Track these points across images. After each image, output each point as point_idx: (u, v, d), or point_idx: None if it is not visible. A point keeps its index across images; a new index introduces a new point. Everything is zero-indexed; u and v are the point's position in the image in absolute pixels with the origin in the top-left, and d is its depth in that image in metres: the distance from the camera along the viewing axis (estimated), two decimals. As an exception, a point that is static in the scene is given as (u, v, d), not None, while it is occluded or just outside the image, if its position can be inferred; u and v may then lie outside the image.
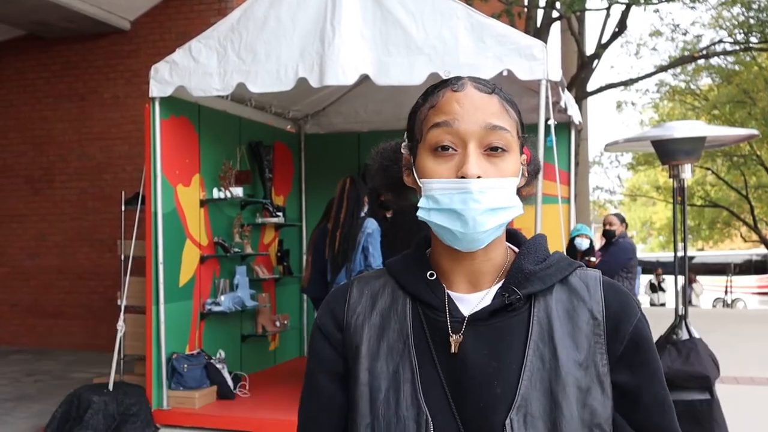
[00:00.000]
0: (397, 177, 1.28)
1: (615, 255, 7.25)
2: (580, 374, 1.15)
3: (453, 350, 1.16)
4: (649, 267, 21.34)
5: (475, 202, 1.13)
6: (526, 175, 1.26)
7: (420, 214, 1.19)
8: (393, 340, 1.20)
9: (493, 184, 1.14)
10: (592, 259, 7.11)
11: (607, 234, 7.49)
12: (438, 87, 1.22)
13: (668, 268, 18.99)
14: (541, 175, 1.37)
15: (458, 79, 1.21)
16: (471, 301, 1.20)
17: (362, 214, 6.22)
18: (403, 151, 1.27)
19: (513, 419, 1.11)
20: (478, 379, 1.14)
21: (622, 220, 7.67)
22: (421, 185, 1.19)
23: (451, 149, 1.16)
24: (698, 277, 20.92)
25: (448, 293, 1.21)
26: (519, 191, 1.22)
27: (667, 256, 23.80)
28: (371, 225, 6.13)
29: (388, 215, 7.31)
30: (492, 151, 1.16)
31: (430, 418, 1.14)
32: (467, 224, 1.13)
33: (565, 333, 1.17)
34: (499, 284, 1.21)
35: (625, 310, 1.20)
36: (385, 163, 1.32)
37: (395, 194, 1.32)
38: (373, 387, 1.18)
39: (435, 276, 1.23)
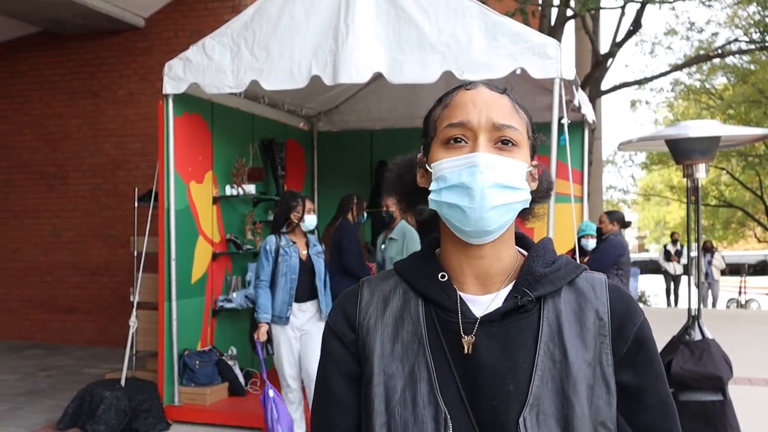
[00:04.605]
0: (411, 184, 1.32)
1: (604, 252, 7.17)
2: (589, 373, 1.18)
3: (466, 351, 1.18)
4: (654, 267, 20.88)
5: (481, 174, 1.15)
6: (537, 178, 1.28)
7: (432, 197, 1.22)
8: (407, 340, 1.22)
9: (499, 159, 1.18)
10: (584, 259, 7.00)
11: (598, 232, 7.50)
12: (452, 90, 1.28)
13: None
14: (553, 176, 1.38)
15: (471, 82, 1.26)
16: (482, 303, 1.22)
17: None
18: (418, 158, 1.31)
19: (526, 417, 1.13)
20: (492, 379, 1.16)
21: (615, 219, 7.51)
22: (431, 170, 1.22)
23: (462, 141, 1.20)
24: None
25: (459, 295, 1.22)
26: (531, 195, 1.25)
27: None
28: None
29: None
30: (503, 144, 1.19)
31: (449, 416, 1.15)
32: (474, 198, 1.15)
33: (573, 333, 1.20)
34: (509, 286, 1.23)
35: (630, 312, 1.23)
36: (400, 171, 1.36)
37: (408, 204, 1.36)
38: (388, 387, 1.19)
39: (446, 277, 1.24)
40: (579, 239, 7.25)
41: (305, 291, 5.49)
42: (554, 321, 1.20)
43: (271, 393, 5.21)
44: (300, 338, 5.47)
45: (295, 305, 5.48)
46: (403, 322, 1.24)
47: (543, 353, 1.17)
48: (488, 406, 1.15)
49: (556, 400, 1.15)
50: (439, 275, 1.25)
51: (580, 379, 1.16)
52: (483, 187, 1.15)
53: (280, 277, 5.43)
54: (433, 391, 1.17)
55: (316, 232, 5.73)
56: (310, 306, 5.52)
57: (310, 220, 5.50)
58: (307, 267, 5.49)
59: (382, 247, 6.29)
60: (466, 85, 1.25)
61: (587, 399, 1.16)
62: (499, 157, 1.18)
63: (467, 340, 1.18)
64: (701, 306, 5.08)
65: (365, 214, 6.92)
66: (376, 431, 1.18)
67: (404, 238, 6.08)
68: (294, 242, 5.49)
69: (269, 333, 5.47)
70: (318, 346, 5.39)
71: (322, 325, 5.51)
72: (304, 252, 5.52)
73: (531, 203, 1.26)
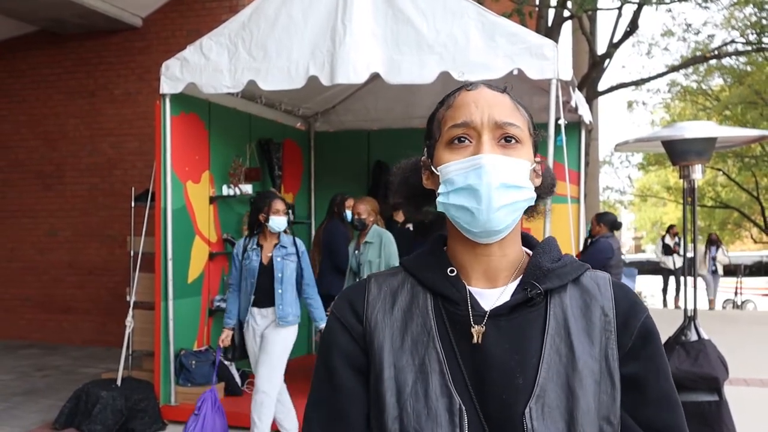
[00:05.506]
0: (418, 186, 1.34)
1: (591, 254, 7.32)
2: (596, 368, 1.19)
3: (476, 341, 1.19)
4: (649, 267, 20.75)
5: (488, 176, 1.17)
6: (540, 174, 1.30)
7: (440, 200, 1.24)
8: (417, 333, 1.23)
9: (504, 160, 1.20)
10: None
11: (589, 234, 7.69)
12: (454, 91, 1.30)
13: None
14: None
15: (472, 82, 1.30)
16: (490, 297, 1.24)
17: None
18: (422, 160, 1.33)
19: (531, 408, 1.15)
20: (501, 372, 1.17)
21: (603, 222, 7.63)
22: (438, 173, 1.24)
23: (466, 141, 1.22)
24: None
25: (468, 289, 1.24)
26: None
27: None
28: None
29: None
30: (506, 141, 1.22)
31: (464, 407, 1.16)
32: (482, 199, 1.17)
33: (579, 328, 1.22)
34: (516, 281, 1.25)
35: (634, 307, 1.26)
36: (406, 174, 1.38)
37: (415, 206, 1.39)
38: (399, 380, 1.20)
39: (455, 272, 1.26)
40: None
41: (266, 295, 5.22)
42: (561, 316, 1.22)
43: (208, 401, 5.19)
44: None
45: (255, 310, 5.25)
46: (411, 315, 1.25)
47: (549, 347, 1.19)
48: (497, 399, 1.17)
49: (562, 394, 1.16)
50: (448, 270, 1.27)
51: (586, 374, 1.18)
52: (490, 188, 1.17)
53: (242, 281, 5.28)
54: (446, 383, 1.18)
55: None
56: (270, 312, 5.25)
57: (277, 222, 5.20)
58: (267, 270, 5.23)
59: (356, 252, 6.14)
60: (467, 86, 1.28)
61: (593, 394, 1.17)
62: (503, 157, 1.20)
63: (477, 330, 1.19)
64: (697, 306, 5.09)
65: (348, 213, 6.89)
66: (388, 424, 1.17)
67: (381, 240, 6.02)
68: (261, 245, 5.28)
69: (235, 337, 5.36)
70: (272, 353, 5.24)
71: (279, 332, 5.22)
72: (268, 255, 5.25)
73: (536, 200, 1.28)
